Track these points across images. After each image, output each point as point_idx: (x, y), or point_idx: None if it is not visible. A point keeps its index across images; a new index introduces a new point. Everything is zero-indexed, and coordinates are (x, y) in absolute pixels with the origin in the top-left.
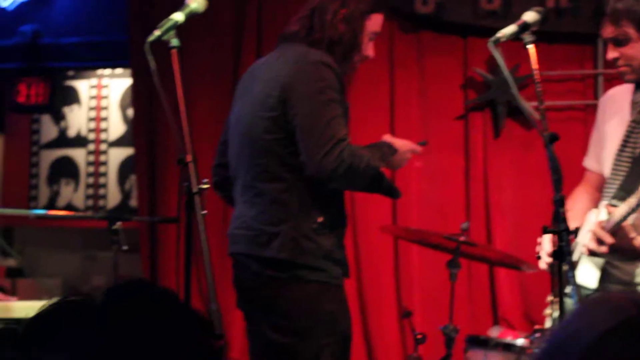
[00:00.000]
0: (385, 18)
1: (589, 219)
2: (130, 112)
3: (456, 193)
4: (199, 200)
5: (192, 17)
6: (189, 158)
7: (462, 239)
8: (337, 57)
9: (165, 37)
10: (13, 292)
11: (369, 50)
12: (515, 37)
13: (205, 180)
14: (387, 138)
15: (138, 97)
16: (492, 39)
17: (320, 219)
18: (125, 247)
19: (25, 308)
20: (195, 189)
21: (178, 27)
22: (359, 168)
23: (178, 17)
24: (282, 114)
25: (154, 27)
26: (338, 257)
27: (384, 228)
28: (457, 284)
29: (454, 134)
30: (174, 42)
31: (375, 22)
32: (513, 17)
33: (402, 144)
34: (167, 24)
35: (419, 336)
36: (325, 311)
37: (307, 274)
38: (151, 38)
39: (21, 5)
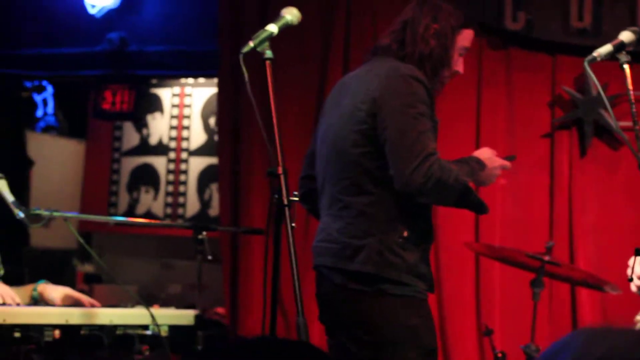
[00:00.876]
0: (475, 34)
1: None
2: (211, 121)
3: (540, 211)
4: (289, 213)
5: (285, 29)
6: (280, 170)
7: (546, 258)
8: (427, 71)
9: (259, 49)
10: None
11: (459, 65)
12: (609, 57)
13: (296, 192)
14: (477, 153)
15: (223, 107)
16: (588, 58)
17: (405, 233)
18: (210, 257)
19: (109, 315)
20: (286, 201)
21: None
22: (447, 182)
23: (272, 28)
24: (371, 127)
25: (243, 39)
26: (422, 271)
27: (467, 245)
28: (539, 303)
29: (539, 152)
30: (268, 53)
31: (465, 37)
32: (603, 36)
33: (491, 160)
34: (261, 35)
35: (499, 354)
36: (409, 325)
37: (391, 288)
38: (245, 49)
39: (109, 12)
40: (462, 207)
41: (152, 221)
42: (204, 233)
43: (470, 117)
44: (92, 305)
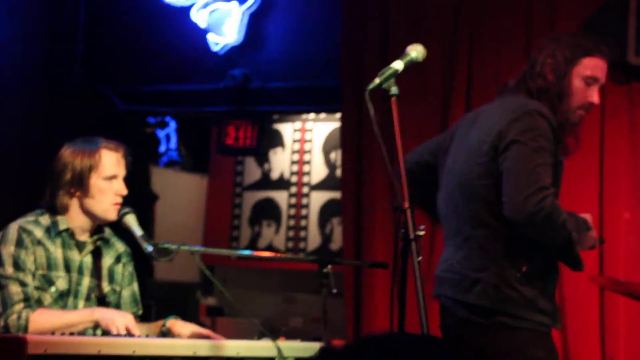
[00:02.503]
0: (604, 62)
1: None
2: (332, 156)
3: None
4: (415, 247)
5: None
6: (406, 205)
7: None
8: (548, 106)
9: (385, 85)
10: (213, 331)
11: (591, 96)
12: None
13: (422, 227)
14: (586, 216)
15: (347, 141)
16: None
17: (524, 268)
18: (334, 290)
19: (236, 347)
20: (412, 236)
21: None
22: (556, 222)
23: (398, 65)
24: (493, 159)
25: (365, 74)
26: (543, 307)
27: (591, 278)
28: None
29: None
30: (394, 90)
31: (587, 66)
32: None
33: (592, 226)
34: (387, 72)
35: None
36: (535, 357)
37: (511, 321)
38: (371, 86)
39: (232, 49)
40: (561, 257)
41: (277, 255)
42: (329, 266)
43: (593, 151)
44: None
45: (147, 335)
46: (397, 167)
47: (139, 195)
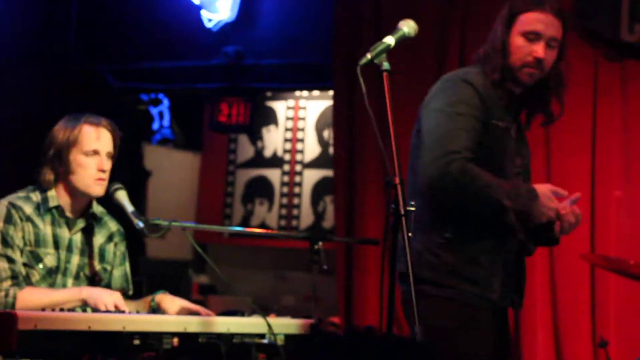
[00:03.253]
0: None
1: None
2: (325, 134)
3: None
4: (406, 223)
5: (402, 41)
6: (396, 180)
7: None
8: (490, 67)
9: (376, 61)
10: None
11: (533, 52)
12: None
13: (412, 202)
14: (535, 186)
15: (338, 119)
16: None
17: (447, 234)
18: (325, 267)
19: (227, 323)
20: (403, 211)
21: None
22: (466, 188)
23: (389, 40)
24: (419, 130)
25: (357, 51)
26: (468, 275)
27: (582, 256)
28: None
29: None
30: (385, 65)
31: (524, 22)
32: None
33: (546, 197)
34: (378, 47)
35: None
36: (442, 329)
37: (429, 289)
38: (363, 61)
39: (225, 26)
40: (499, 226)
41: (269, 231)
42: (320, 243)
43: (585, 126)
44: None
45: (138, 312)
46: (389, 142)
47: (132, 173)
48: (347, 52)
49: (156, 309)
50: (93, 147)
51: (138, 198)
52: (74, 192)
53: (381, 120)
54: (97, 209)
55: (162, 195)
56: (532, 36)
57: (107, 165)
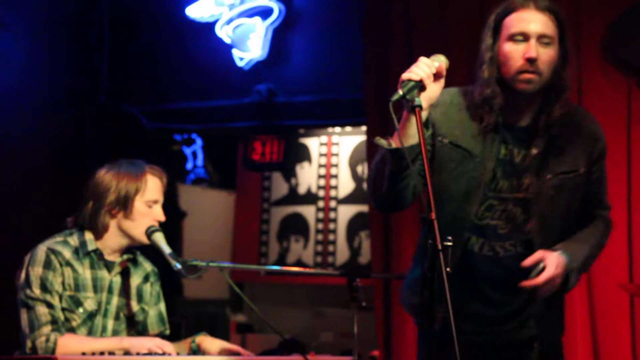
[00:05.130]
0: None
1: None
2: (359, 169)
3: None
4: (443, 258)
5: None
6: (432, 216)
7: None
8: (484, 75)
9: (408, 97)
10: (242, 347)
11: (524, 53)
12: None
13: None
14: None
15: (373, 154)
16: None
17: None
18: (364, 304)
19: None
20: (440, 246)
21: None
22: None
23: None
24: None
25: (389, 86)
26: (412, 301)
27: (621, 286)
28: None
29: None
30: (417, 101)
31: (509, 25)
32: None
33: None
34: (409, 83)
35: None
36: None
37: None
38: (395, 97)
39: (256, 64)
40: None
41: (306, 270)
42: (358, 280)
43: (621, 157)
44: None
45: (178, 354)
46: (424, 177)
47: (167, 213)
48: (378, 87)
49: (197, 351)
50: (156, 197)
51: (173, 239)
52: (126, 237)
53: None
54: (132, 250)
55: (197, 235)
56: (519, 37)
57: (163, 217)
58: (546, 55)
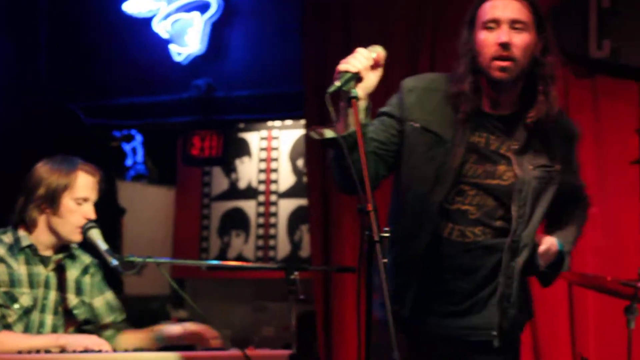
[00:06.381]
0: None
1: None
2: (299, 163)
3: (632, 238)
4: (380, 249)
5: None
6: (369, 207)
7: (639, 284)
8: (459, 70)
9: (345, 88)
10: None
11: (496, 39)
12: None
13: (387, 228)
14: None
15: (311, 148)
16: None
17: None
18: (302, 297)
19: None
20: (377, 238)
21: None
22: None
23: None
24: None
25: (327, 78)
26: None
27: None
28: (634, 331)
29: (629, 179)
30: (354, 92)
31: (481, 15)
32: None
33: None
34: (346, 74)
35: None
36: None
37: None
38: (331, 89)
39: (195, 59)
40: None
41: (244, 264)
42: (296, 273)
43: None
44: (213, 337)
45: (115, 350)
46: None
47: (107, 210)
48: (316, 80)
49: (160, 337)
50: (85, 195)
51: (114, 235)
52: (54, 234)
53: None
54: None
55: (137, 231)
56: (491, 24)
57: (94, 215)
58: (519, 39)
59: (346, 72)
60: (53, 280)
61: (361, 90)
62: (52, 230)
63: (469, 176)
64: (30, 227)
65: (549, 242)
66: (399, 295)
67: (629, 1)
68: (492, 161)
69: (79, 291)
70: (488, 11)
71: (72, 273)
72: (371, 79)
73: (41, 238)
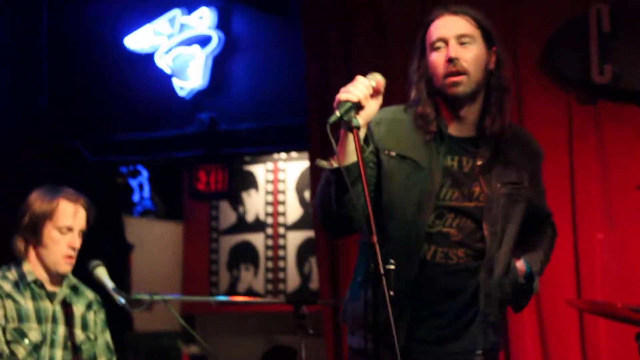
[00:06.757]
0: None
1: None
2: (306, 194)
3: None
4: (386, 282)
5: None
6: (374, 239)
7: None
8: (412, 97)
9: (345, 118)
10: None
11: (445, 57)
12: None
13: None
14: None
15: (316, 179)
16: None
17: (359, 279)
18: (311, 331)
19: None
20: (382, 270)
21: None
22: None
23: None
24: None
25: (330, 110)
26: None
27: (568, 302)
28: None
29: (635, 204)
30: (355, 122)
31: (428, 37)
32: None
33: None
34: (346, 104)
35: None
36: None
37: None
38: (332, 119)
39: (198, 94)
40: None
41: (252, 299)
42: (304, 307)
43: (563, 171)
44: None
45: None
46: (364, 200)
47: (114, 247)
48: (320, 112)
49: None
50: (68, 224)
51: (122, 272)
52: (43, 266)
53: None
54: (73, 279)
55: (147, 267)
56: (439, 44)
57: (79, 243)
58: (468, 53)
59: (346, 101)
60: (60, 315)
61: (362, 119)
62: (41, 262)
63: (446, 200)
64: (20, 259)
65: (517, 264)
66: (394, 325)
67: (629, 25)
68: (467, 183)
69: (84, 327)
70: (434, 32)
71: (78, 308)
72: (372, 107)
73: (38, 272)
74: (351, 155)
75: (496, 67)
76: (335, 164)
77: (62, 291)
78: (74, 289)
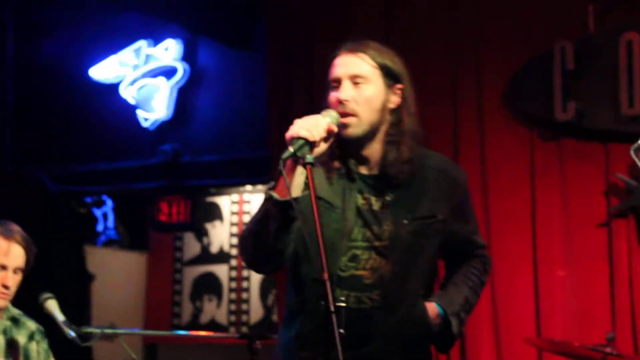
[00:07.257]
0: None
1: None
2: None
3: (601, 302)
4: (336, 319)
5: None
6: (325, 276)
7: (608, 350)
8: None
9: (299, 153)
10: None
11: (339, 95)
12: None
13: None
14: None
15: None
16: (634, 146)
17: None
18: None
19: None
20: (332, 308)
21: None
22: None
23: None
24: None
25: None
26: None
27: (527, 340)
28: None
29: (597, 242)
30: (309, 158)
31: (329, 74)
32: None
33: None
34: (299, 140)
35: None
36: None
37: None
38: (285, 155)
39: (161, 125)
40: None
41: (209, 333)
42: (258, 342)
43: (525, 208)
44: None
45: None
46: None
47: (75, 277)
48: (283, 145)
49: None
50: None
51: (83, 302)
52: None
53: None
54: (14, 310)
55: (109, 297)
56: (334, 84)
57: (13, 280)
58: (359, 94)
59: (298, 137)
60: (1, 347)
61: (314, 155)
62: None
63: (358, 240)
64: None
65: (428, 305)
66: None
67: (593, 62)
68: (377, 222)
69: (26, 358)
70: (331, 71)
71: (20, 339)
72: (322, 146)
73: None
74: (296, 190)
75: (400, 106)
76: (279, 197)
77: (2, 323)
78: (14, 321)
